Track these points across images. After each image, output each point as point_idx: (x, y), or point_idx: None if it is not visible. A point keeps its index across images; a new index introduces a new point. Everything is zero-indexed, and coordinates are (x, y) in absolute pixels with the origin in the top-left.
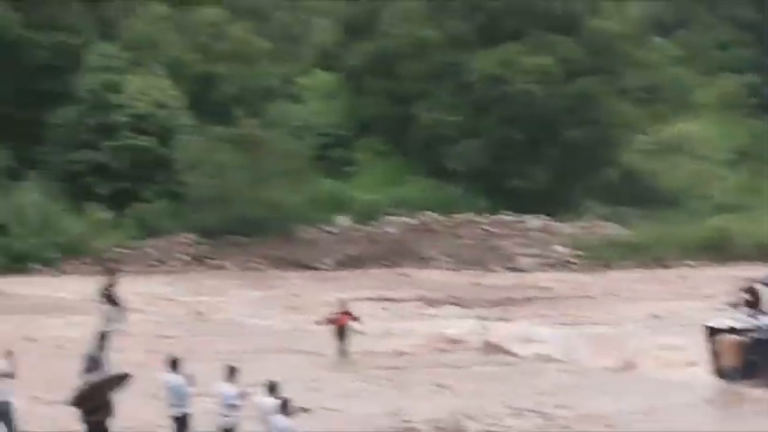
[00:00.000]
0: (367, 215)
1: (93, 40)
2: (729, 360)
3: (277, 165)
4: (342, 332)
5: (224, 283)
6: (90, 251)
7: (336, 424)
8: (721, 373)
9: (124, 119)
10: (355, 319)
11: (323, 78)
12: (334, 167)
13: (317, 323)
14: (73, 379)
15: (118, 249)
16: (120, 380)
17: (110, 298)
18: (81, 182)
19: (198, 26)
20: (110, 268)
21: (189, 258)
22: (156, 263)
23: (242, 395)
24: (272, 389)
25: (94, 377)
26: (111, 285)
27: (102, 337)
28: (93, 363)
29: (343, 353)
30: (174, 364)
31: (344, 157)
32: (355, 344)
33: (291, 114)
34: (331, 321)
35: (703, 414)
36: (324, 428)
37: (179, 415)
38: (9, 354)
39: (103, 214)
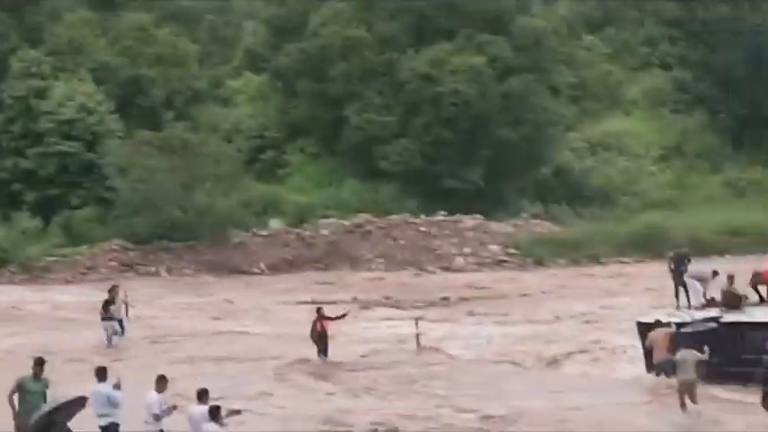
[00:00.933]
0: (300, 218)
1: (18, 47)
2: (661, 354)
3: (207, 168)
4: (321, 337)
5: (155, 289)
6: (18, 260)
7: (270, 426)
8: (653, 367)
9: (50, 125)
10: (335, 318)
11: (253, 81)
12: (266, 170)
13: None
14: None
15: (47, 257)
16: (76, 404)
17: (108, 309)
18: (7, 190)
19: (124, 30)
20: (113, 284)
21: (119, 265)
22: (87, 270)
23: (167, 404)
24: (201, 396)
25: (50, 404)
26: (111, 297)
27: (40, 362)
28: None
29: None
30: (102, 374)
31: (276, 160)
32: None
33: (221, 117)
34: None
35: (633, 410)
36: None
37: (107, 424)
38: None
39: (31, 222)
